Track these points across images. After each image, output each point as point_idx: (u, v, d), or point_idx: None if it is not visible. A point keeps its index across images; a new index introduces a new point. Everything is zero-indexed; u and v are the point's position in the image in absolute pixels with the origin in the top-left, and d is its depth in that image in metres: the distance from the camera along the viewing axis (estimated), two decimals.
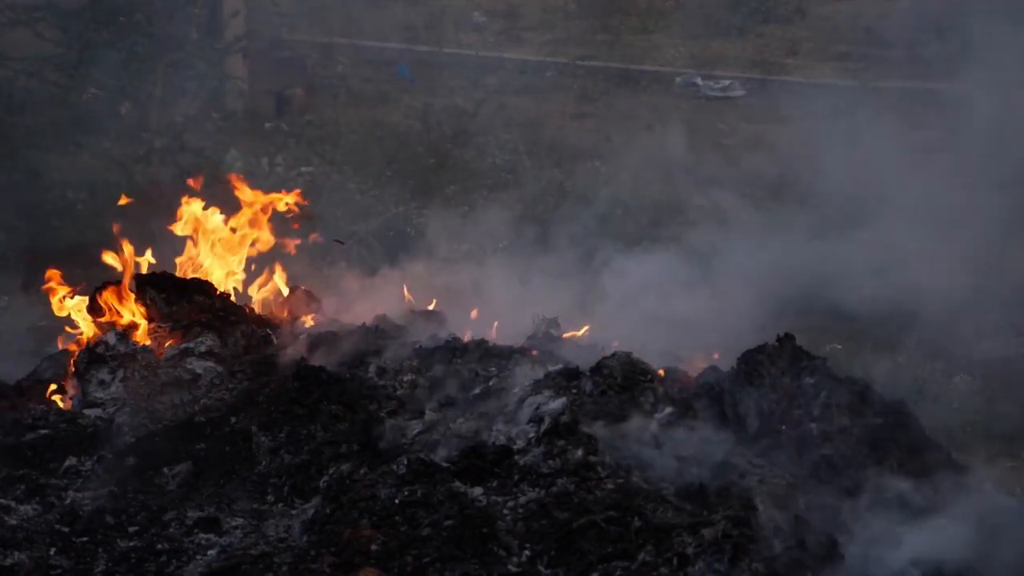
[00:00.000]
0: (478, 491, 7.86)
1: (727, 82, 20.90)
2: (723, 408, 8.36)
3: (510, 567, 7.43)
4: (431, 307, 9.86)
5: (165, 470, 8.32)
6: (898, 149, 13.79)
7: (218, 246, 9.89)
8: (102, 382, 9.03)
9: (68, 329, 9.63)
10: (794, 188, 13.85)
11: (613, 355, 8.56)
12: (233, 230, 9.90)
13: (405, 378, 8.84)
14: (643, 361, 8.63)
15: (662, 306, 10.37)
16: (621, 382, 8.39)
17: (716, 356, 9.23)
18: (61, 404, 9.05)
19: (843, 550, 7.49)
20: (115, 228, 9.70)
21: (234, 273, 9.91)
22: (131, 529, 7.89)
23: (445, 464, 7.98)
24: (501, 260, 11.88)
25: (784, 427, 8.32)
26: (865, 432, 8.31)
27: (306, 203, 10.08)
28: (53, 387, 9.19)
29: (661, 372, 8.67)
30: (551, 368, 8.67)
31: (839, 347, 12.52)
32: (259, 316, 9.69)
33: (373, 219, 15.34)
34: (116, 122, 14.92)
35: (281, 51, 20.47)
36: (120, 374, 9.03)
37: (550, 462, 7.92)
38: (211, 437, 8.52)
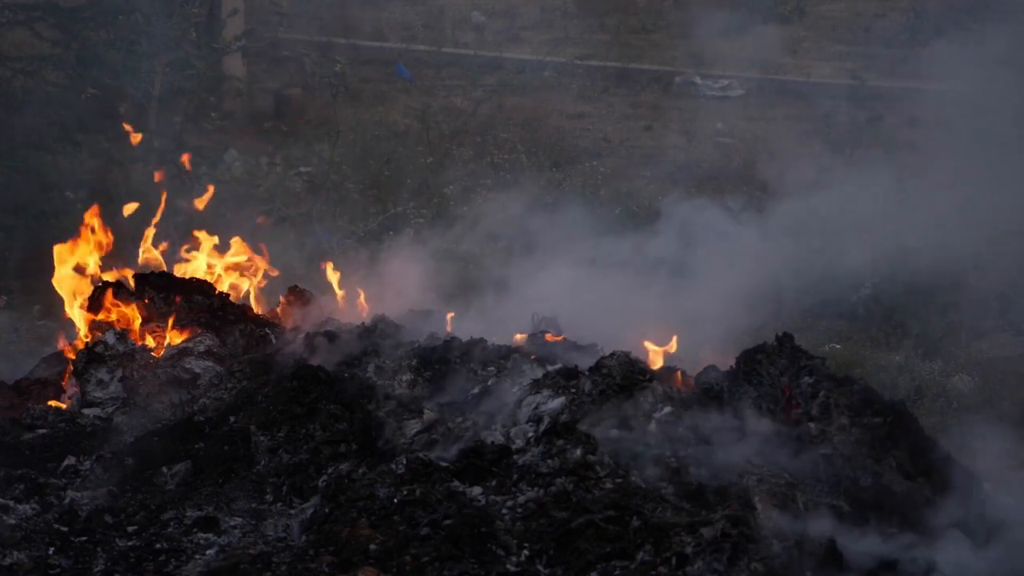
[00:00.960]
0: (477, 490, 7.86)
1: (726, 82, 20.89)
2: (722, 408, 8.36)
3: (509, 566, 7.43)
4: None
5: (164, 469, 8.32)
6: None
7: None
8: (101, 382, 9.03)
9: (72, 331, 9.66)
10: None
11: (612, 355, 8.56)
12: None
13: (404, 377, 8.83)
14: (642, 360, 8.64)
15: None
16: (620, 381, 8.39)
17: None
18: (61, 404, 9.05)
19: (842, 550, 7.48)
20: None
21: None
22: (130, 528, 7.89)
23: (444, 463, 7.97)
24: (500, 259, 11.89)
25: (783, 427, 8.31)
26: (865, 432, 8.31)
27: None
28: (52, 388, 9.20)
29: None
30: (550, 368, 8.67)
31: (838, 347, 12.52)
32: (258, 315, 9.69)
33: (372, 219, 15.34)
34: (115, 122, 14.90)
35: (279, 51, 20.46)
36: (119, 374, 9.03)
37: (549, 461, 7.92)
38: (210, 436, 8.52)
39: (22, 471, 8.31)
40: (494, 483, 7.89)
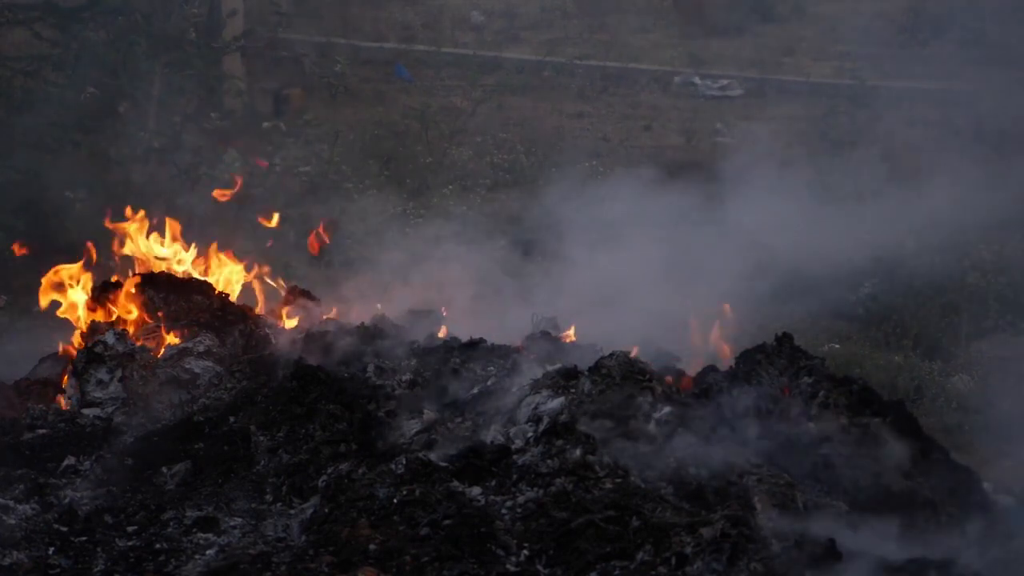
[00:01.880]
0: (476, 491, 7.86)
1: (725, 81, 20.89)
2: (721, 408, 8.36)
3: (508, 566, 7.43)
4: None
5: (164, 469, 8.32)
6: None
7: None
8: (101, 382, 9.03)
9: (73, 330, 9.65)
10: None
11: (612, 354, 8.56)
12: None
13: (403, 377, 8.83)
14: (641, 360, 8.64)
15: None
16: (620, 381, 8.38)
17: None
18: (61, 404, 9.05)
19: (841, 550, 7.48)
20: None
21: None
22: (130, 528, 7.89)
23: (443, 464, 7.97)
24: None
25: (783, 427, 8.32)
26: (864, 432, 8.31)
27: None
28: (52, 388, 9.19)
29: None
30: (549, 367, 8.67)
31: (837, 347, 12.52)
32: (257, 315, 9.69)
33: (371, 219, 15.33)
34: (114, 121, 14.90)
35: (279, 51, 20.46)
36: (119, 374, 9.03)
37: (548, 461, 7.92)
38: (209, 436, 8.52)
39: (22, 471, 8.31)
40: (494, 483, 7.89)
